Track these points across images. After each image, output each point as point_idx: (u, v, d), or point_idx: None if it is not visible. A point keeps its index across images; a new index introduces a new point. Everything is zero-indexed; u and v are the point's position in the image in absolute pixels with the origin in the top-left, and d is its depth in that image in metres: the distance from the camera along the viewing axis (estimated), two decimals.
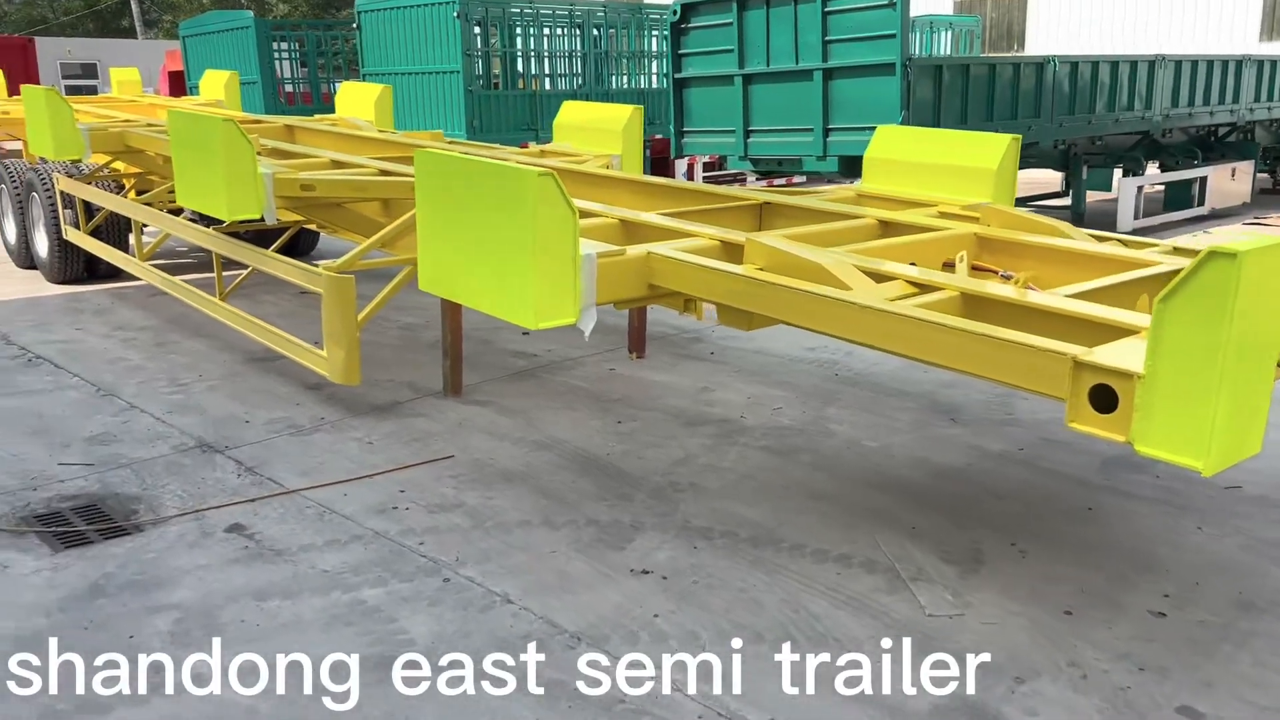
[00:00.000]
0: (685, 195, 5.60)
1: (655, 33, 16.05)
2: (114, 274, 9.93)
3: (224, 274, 6.91)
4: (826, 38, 8.94)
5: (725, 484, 4.55)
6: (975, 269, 4.23)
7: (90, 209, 9.21)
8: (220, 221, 9.51)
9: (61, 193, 9.22)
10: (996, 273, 4.22)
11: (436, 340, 7.31)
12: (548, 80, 15.20)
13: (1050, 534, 4.08)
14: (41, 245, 9.99)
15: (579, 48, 15.27)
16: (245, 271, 6.86)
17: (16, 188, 10.31)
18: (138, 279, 9.66)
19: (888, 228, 4.78)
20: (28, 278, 10.11)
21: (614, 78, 15.87)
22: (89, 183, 9.04)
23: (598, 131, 7.47)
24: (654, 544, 3.95)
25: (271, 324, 6.14)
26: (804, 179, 13.21)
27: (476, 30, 14.39)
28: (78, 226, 9.23)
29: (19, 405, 6.02)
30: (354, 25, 15.78)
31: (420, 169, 4.15)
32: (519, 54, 14.99)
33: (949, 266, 4.29)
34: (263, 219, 5.88)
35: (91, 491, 4.71)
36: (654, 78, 16.41)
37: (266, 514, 4.36)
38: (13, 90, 13.27)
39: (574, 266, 3.76)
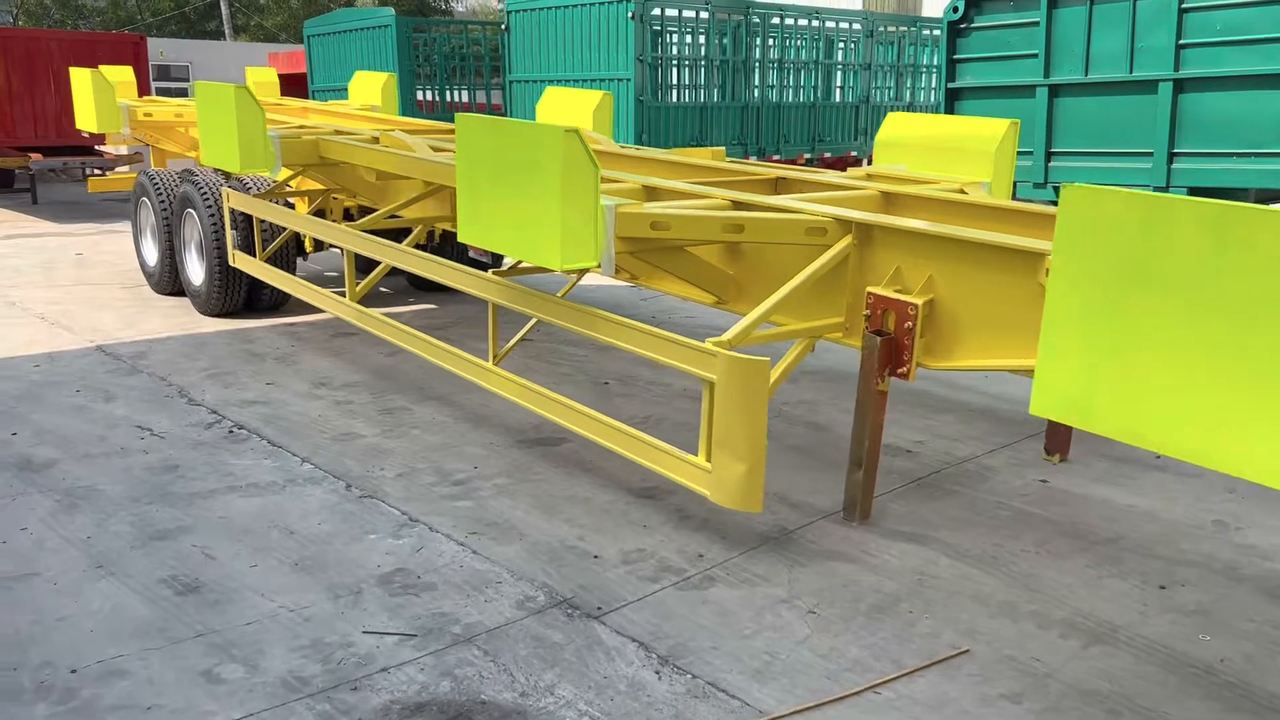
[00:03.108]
0: None
1: (801, 41, 14.35)
2: (275, 306, 8.44)
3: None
4: (1181, 41, 7.18)
5: None
6: None
7: (267, 231, 7.68)
8: (463, 255, 7.96)
9: (232, 211, 7.68)
10: None
11: None
12: (683, 91, 13.57)
13: None
14: (195, 271, 8.48)
15: (727, 55, 13.62)
16: (527, 325, 5.22)
17: (164, 203, 8.81)
18: (309, 313, 8.15)
19: None
20: (174, 307, 8.61)
21: (758, 89, 14.16)
22: (273, 200, 7.50)
23: (951, 151, 5.77)
24: None
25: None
26: None
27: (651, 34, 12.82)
28: (249, 251, 7.70)
29: (255, 510, 4.42)
30: (502, 26, 14.27)
31: (1076, 212, 2.46)
32: (680, 61, 13.36)
33: None
34: (597, 267, 4.27)
35: (442, 696, 3.05)
36: (812, 90, 14.67)
37: None
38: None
39: None
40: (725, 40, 13.49)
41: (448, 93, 14.99)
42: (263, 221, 7.51)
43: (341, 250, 6.41)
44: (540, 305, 4.73)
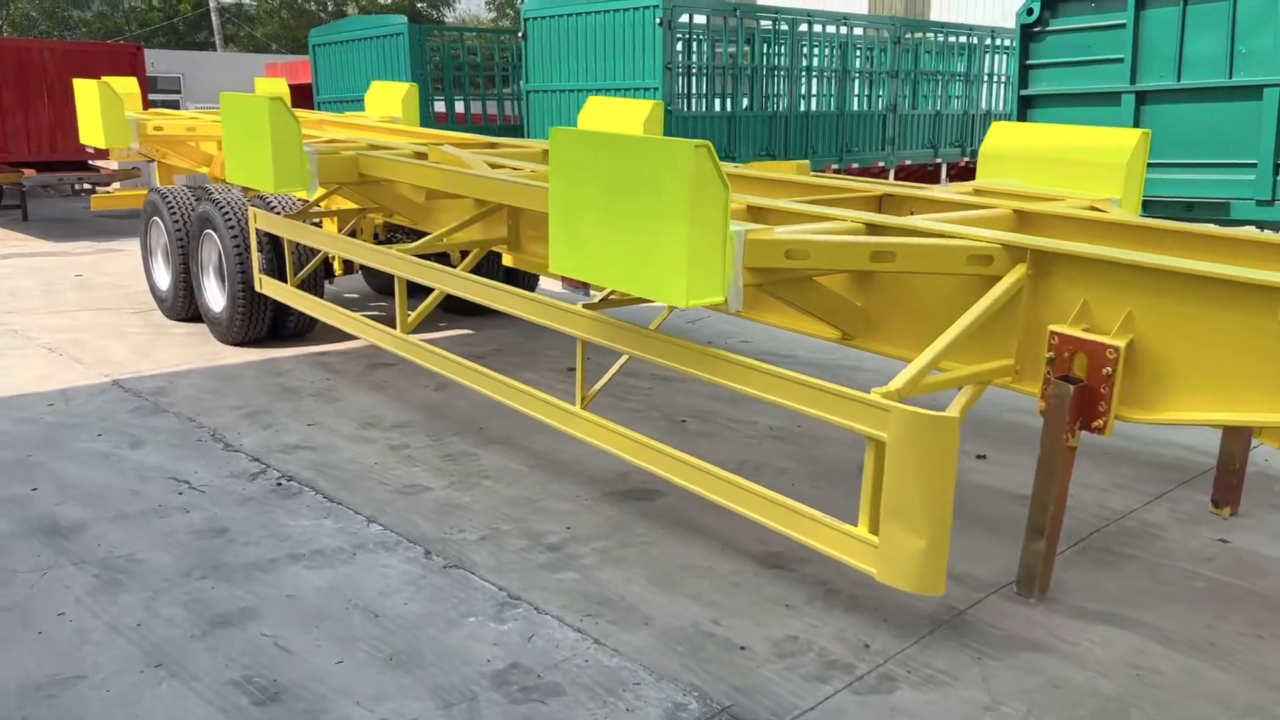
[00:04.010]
0: None
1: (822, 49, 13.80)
2: (300, 334, 7.83)
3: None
4: None
5: None
6: None
7: (301, 254, 7.09)
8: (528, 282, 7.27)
9: (259, 233, 7.08)
10: None
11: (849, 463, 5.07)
12: (710, 100, 13.01)
13: None
14: (215, 296, 7.87)
15: (755, 62, 13.10)
16: (617, 363, 4.64)
17: (179, 223, 8.20)
18: (338, 341, 7.55)
19: None
20: (191, 335, 8.00)
21: (785, 98, 13.59)
22: (305, 220, 6.89)
23: (1072, 164, 5.22)
24: None
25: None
26: None
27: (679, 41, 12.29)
28: (274, 275, 7.10)
29: (326, 585, 3.81)
30: (519, 34, 13.70)
31: None
32: (709, 70, 12.81)
33: None
34: (724, 305, 3.69)
35: None
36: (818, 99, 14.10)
37: None
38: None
39: None
40: (753, 47, 12.97)
41: (463, 103, 14.40)
42: (294, 244, 6.91)
43: (362, 271, 5.81)
44: (644, 344, 4.15)
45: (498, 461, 5.17)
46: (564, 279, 6.33)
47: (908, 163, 15.24)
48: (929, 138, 15.26)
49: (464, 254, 7.04)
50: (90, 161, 15.87)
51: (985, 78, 15.70)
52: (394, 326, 5.64)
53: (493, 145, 7.70)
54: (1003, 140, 5.52)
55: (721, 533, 4.24)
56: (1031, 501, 3.55)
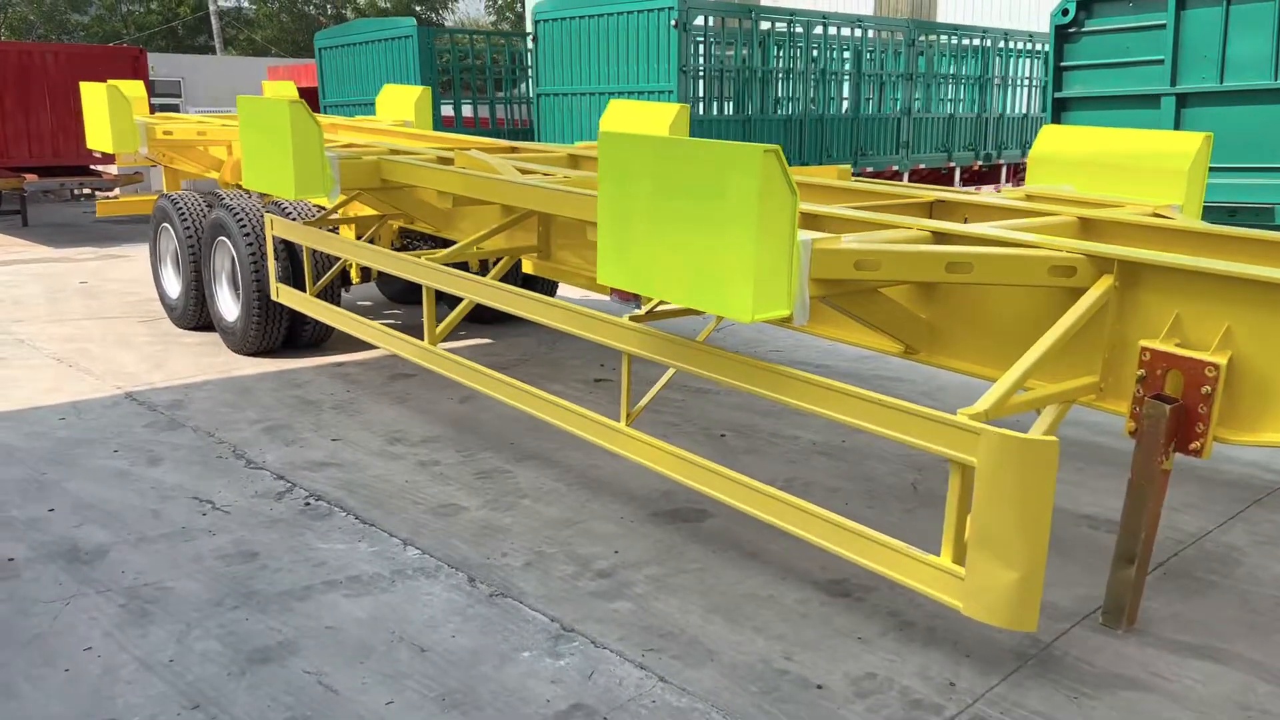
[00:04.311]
0: None
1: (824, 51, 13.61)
2: (316, 343, 7.62)
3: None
4: None
5: None
6: None
7: (319, 262, 6.87)
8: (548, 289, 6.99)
9: (276, 240, 6.86)
10: None
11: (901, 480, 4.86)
12: (725, 103, 12.80)
13: None
14: (228, 305, 7.65)
15: (771, 65, 12.91)
16: (662, 377, 4.43)
17: (190, 230, 7.98)
18: (355, 350, 7.34)
19: None
20: (202, 344, 7.78)
21: (799, 101, 13.39)
22: (323, 228, 6.68)
23: (1129, 169, 5.02)
24: None
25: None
26: None
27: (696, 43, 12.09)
28: (292, 283, 6.89)
29: (367, 616, 3.60)
30: (530, 36, 13.51)
31: None
32: (724, 72, 12.61)
33: None
34: (789, 319, 3.48)
35: None
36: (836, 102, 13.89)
37: None
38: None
39: None
40: (766, 50, 12.78)
41: (472, 107, 14.19)
42: (313, 252, 6.69)
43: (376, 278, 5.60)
44: (698, 359, 3.93)
45: (533, 479, 4.95)
46: (614, 290, 6.12)
47: (921, 166, 15.05)
48: (943, 141, 15.08)
49: (482, 261, 6.84)
50: (92, 166, 15.66)
51: (998, 80, 15.52)
52: (416, 336, 5.43)
53: (514, 149, 7.49)
54: (1054, 144, 5.32)
55: (779, 557, 4.03)
56: (1121, 527, 3.34)
